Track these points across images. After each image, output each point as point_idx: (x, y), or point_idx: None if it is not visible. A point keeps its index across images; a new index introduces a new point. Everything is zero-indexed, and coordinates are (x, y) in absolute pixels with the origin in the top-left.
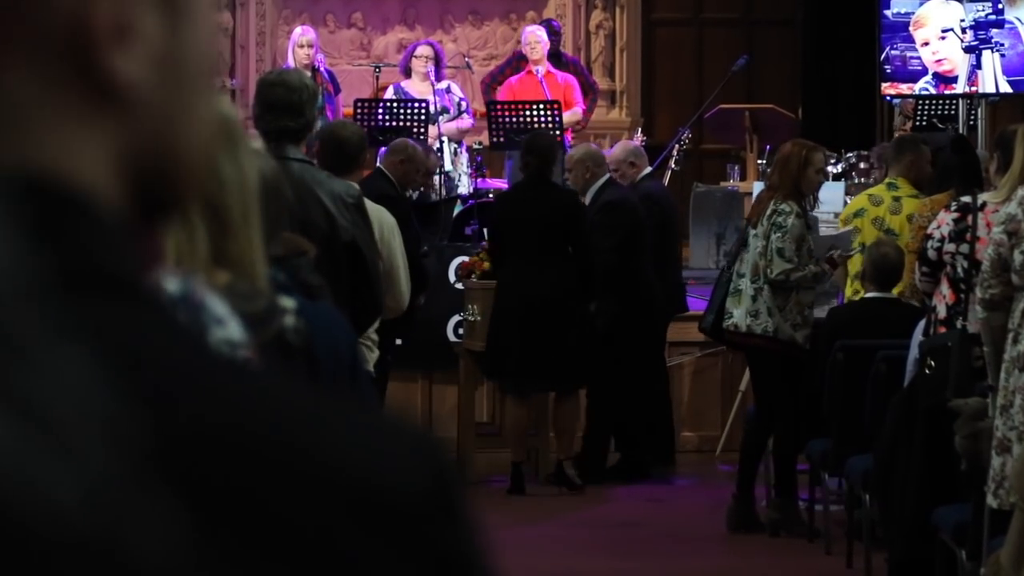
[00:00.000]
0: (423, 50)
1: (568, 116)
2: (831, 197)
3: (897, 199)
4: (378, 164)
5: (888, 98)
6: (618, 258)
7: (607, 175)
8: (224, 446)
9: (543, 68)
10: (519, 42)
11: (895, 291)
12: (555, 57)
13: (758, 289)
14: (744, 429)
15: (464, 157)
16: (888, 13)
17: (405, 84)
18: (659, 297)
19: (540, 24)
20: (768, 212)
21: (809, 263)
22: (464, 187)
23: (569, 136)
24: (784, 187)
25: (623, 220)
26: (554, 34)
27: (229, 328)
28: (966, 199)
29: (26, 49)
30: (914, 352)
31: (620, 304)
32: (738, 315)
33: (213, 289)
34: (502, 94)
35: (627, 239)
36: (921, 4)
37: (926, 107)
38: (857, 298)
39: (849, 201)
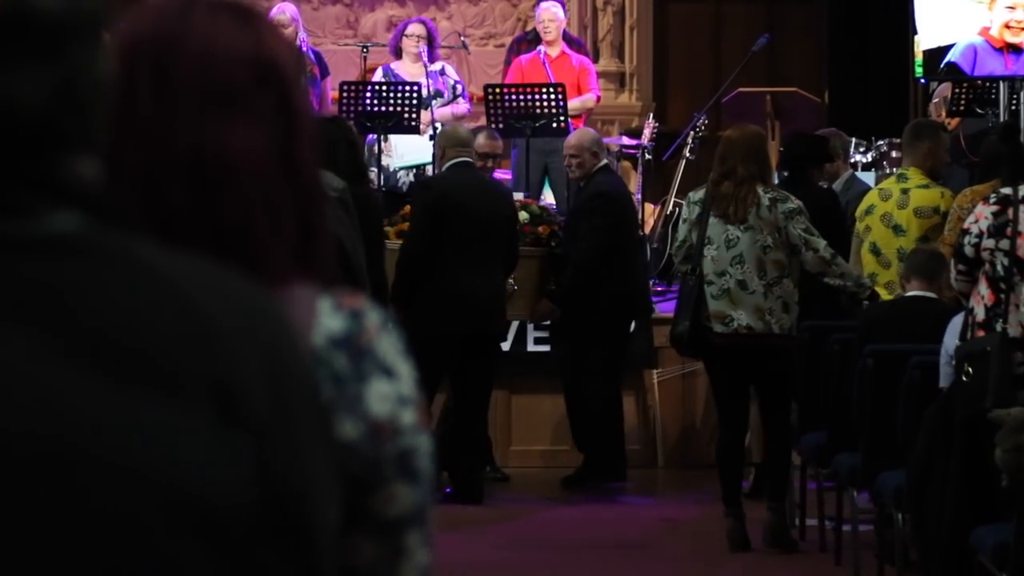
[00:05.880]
0: (415, 28)
1: (578, 102)
2: None
3: (905, 191)
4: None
5: (922, 80)
6: (601, 256)
7: (604, 161)
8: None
9: (555, 49)
10: (519, 19)
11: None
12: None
13: (769, 285)
14: (720, 440)
15: None
16: None
17: (395, 66)
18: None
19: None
20: (766, 202)
21: None
22: None
23: (580, 124)
24: (764, 174)
25: (614, 212)
26: None
27: (400, 380)
28: (1006, 191)
29: None
30: (948, 351)
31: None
32: (745, 316)
33: (388, 330)
34: (509, 76)
35: (613, 234)
36: None
37: (964, 91)
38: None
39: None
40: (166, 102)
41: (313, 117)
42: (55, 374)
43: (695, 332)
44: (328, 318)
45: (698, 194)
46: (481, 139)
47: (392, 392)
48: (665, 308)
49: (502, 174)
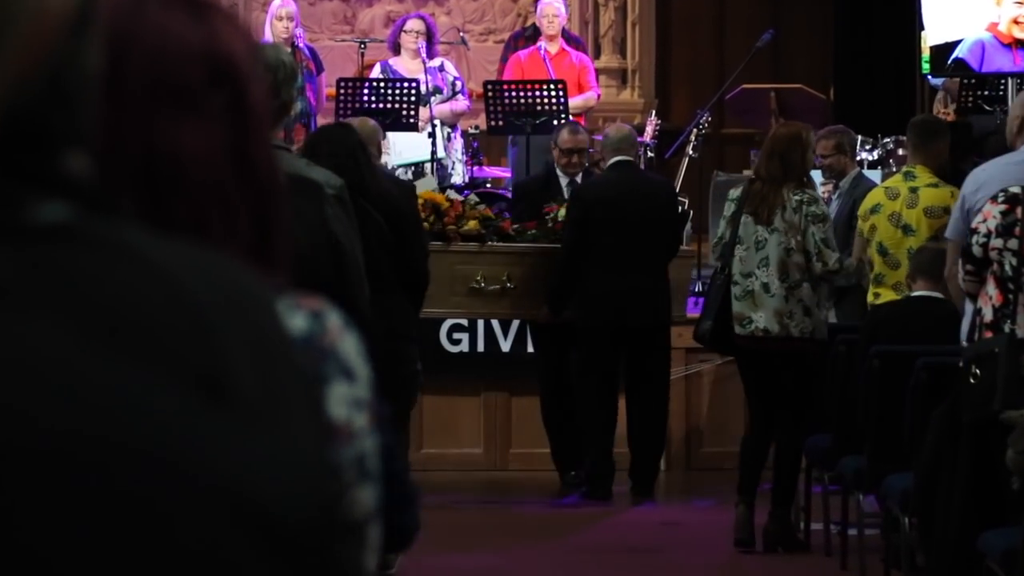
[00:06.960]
0: (413, 24)
1: (579, 100)
2: None
3: (914, 190)
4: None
5: (929, 77)
6: (567, 255)
7: (615, 158)
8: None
9: (555, 45)
10: (519, 15)
11: None
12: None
13: (791, 288)
14: (746, 435)
15: (459, 143)
16: None
17: (393, 62)
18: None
19: None
20: (793, 204)
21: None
22: (459, 176)
23: (582, 122)
24: (794, 175)
25: (572, 210)
26: None
27: (359, 383)
28: (1015, 189)
29: None
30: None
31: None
32: (763, 319)
33: (350, 329)
34: (507, 71)
35: (572, 234)
36: None
37: (972, 87)
38: (899, 297)
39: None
40: (117, 99)
41: (268, 113)
42: (105, 370)
43: (721, 330)
44: (288, 318)
45: (737, 191)
46: (564, 134)
47: (349, 395)
48: None
49: (501, 172)
